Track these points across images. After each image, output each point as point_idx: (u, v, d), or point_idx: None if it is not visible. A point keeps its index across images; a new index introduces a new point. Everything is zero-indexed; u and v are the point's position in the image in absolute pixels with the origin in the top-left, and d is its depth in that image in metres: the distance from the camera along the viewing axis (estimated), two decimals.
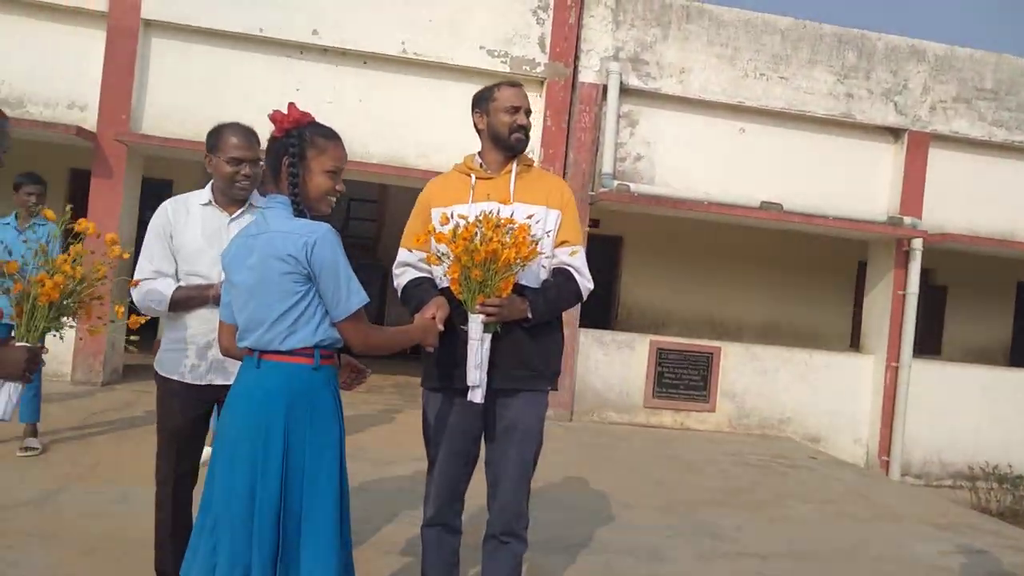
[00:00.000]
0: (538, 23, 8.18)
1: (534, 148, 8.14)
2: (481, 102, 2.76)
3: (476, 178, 2.73)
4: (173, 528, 2.79)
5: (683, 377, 8.57)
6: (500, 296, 2.44)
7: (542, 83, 8.24)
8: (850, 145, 9.04)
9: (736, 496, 5.76)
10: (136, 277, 2.71)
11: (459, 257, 2.40)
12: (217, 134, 2.75)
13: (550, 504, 4.87)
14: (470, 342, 2.46)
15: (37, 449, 4.91)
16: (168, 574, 2.77)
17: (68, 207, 2.29)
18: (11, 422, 1.96)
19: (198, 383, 2.72)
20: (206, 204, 2.80)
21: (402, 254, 2.77)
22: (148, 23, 7.59)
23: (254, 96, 7.33)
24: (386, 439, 6.39)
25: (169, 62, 7.69)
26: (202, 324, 2.70)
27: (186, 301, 2.69)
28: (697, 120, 8.68)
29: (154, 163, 8.54)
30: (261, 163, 2.76)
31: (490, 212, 2.46)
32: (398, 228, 2.95)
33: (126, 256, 2.26)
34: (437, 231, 2.52)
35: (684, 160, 8.60)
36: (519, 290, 2.56)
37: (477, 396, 2.50)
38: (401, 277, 2.77)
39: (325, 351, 2.09)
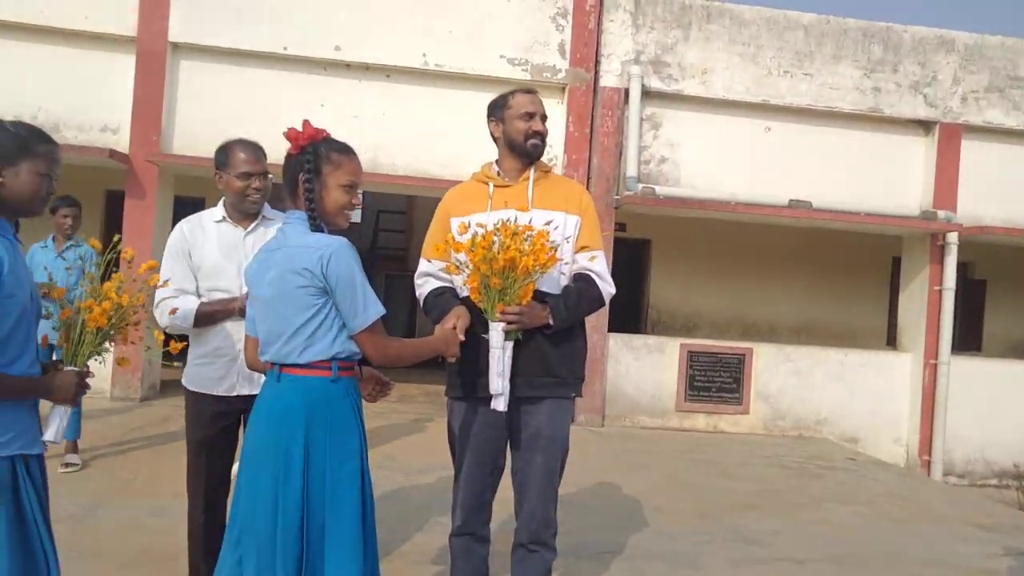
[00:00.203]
0: (558, 30, 8.19)
1: (557, 154, 8.15)
2: (496, 110, 2.77)
3: (494, 186, 2.73)
4: (205, 540, 2.82)
5: (715, 379, 8.48)
6: (520, 303, 2.44)
7: (564, 89, 8.25)
8: (880, 140, 8.89)
9: (771, 499, 5.67)
10: (157, 297, 2.76)
11: (478, 266, 2.41)
12: (225, 151, 2.81)
13: (581, 510, 4.85)
14: (492, 350, 2.47)
15: (77, 465, 5.02)
16: None
17: (116, 237, 2.36)
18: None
19: (228, 395, 2.77)
20: (220, 221, 2.86)
21: (423, 264, 2.79)
22: (175, 46, 7.77)
23: (279, 113, 7.40)
24: (417, 448, 6.42)
25: (197, 83, 7.86)
26: (228, 337, 2.75)
27: (212, 315, 2.74)
28: (721, 120, 8.61)
29: (185, 182, 8.71)
30: (270, 176, 2.81)
31: (508, 220, 2.46)
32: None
33: (167, 284, 2.31)
34: (456, 240, 2.53)
35: (709, 161, 8.53)
36: (540, 297, 2.55)
37: (500, 404, 2.49)
38: (422, 287, 2.78)
39: (344, 363, 2.11)
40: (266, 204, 2.90)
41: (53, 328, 2.12)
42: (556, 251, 2.48)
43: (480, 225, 2.47)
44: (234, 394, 2.76)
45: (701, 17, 8.45)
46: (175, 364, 2.70)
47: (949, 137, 8.81)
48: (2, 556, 1.84)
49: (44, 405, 2.04)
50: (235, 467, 2.94)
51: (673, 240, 10.44)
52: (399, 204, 15.71)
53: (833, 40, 8.64)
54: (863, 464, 7.40)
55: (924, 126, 8.92)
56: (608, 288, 2.73)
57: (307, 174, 2.10)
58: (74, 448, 5.10)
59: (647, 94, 8.34)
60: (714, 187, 8.44)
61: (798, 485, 6.21)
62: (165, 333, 2.46)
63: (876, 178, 8.81)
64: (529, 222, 2.49)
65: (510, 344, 2.49)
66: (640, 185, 8.16)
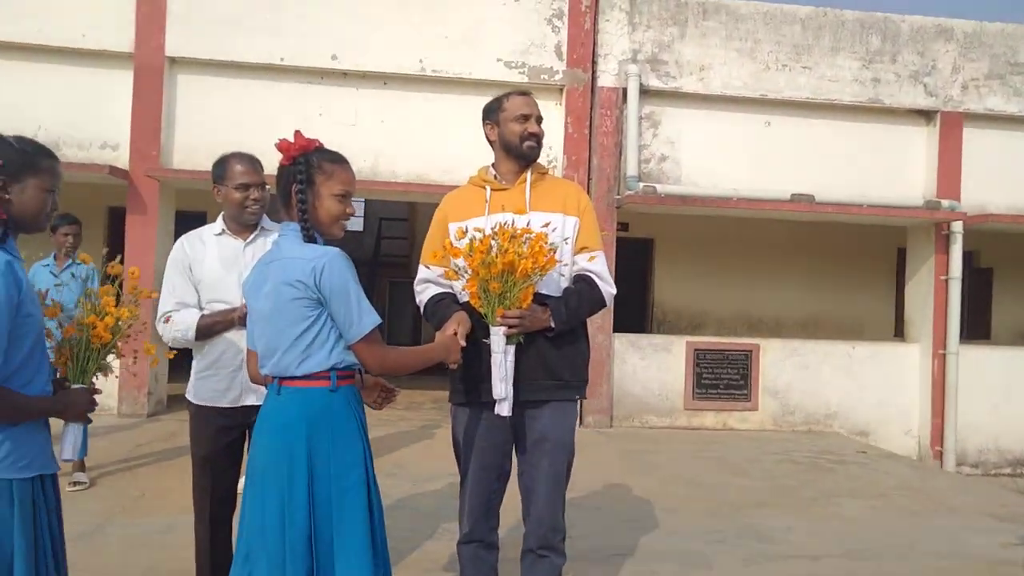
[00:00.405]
0: (553, 31, 8.18)
1: (557, 156, 8.13)
2: (491, 113, 2.76)
3: (491, 190, 2.72)
4: (212, 556, 2.81)
5: (722, 377, 8.44)
6: (520, 307, 2.42)
7: (561, 91, 8.23)
8: (880, 131, 8.85)
9: (783, 496, 5.63)
10: (160, 311, 2.79)
11: (476, 271, 2.39)
12: (222, 164, 2.85)
13: (591, 513, 4.82)
14: (493, 355, 2.45)
15: (85, 483, 5.02)
16: None
17: (105, 249, 2.38)
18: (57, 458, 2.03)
19: (233, 406, 2.76)
20: (220, 234, 2.89)
21: (422, 271, 2.77)
22: (173, 60, 7.79)
23: (278, 124, 7.37)
24: (425, 455, 6.40)
25: (195, 97, 7.87)
26: (230, 348, 2.75)
27: (212, 327, 2.75)
28: (721, 116, 8.58)
29: (187, 196, 8.72)
30: (268, 187, 2.82)
31: (506, 223, 2.45)
32: None
33: (154, 295, 2.34)
34: (454, 246, 2.52)
35: (710, 157, 8.50)
36: (540, 300, 2.54)
37: (504, 409, 2.48)
38: (422, 294, 2.77)
39: (343, 372, 2.09)
40: (264, 215, 2.91)
41: (49, 347, 2.11)
42: (555, 253, 2.46)
43: (478, 229, 2.46)
44: (239, 405, 2.76)
45: (697, 14, 8.43)
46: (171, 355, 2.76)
47: (950, 126, 8.77)
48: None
49: (54, 423, 2.04)
50: (241, 481, 2.93)
51: (676, 238, 10.41)
52: (401, 211, 15.72)
53: (831, 32, 8.61)
54: (874, 457, 7.35)
55: (925, 115, 8.88)
56: (609, 288, 2.71)
57: (300, 184, 2.09)
58: (81, 466, 5.09)
59: (645, 93, 8.32)
60: (715, 184, 8.41)
61: (809, 480, 6.16)
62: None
63: (878, 169, 8.77)
64: (527, 224, 2.47)
65: (512, 348, 2.47)
66: (641, 184, 8.14)
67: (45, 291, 2.15)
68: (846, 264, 10.68)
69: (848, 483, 6.15)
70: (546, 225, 2.53)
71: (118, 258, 2.40)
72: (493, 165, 2.79)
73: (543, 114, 2.81)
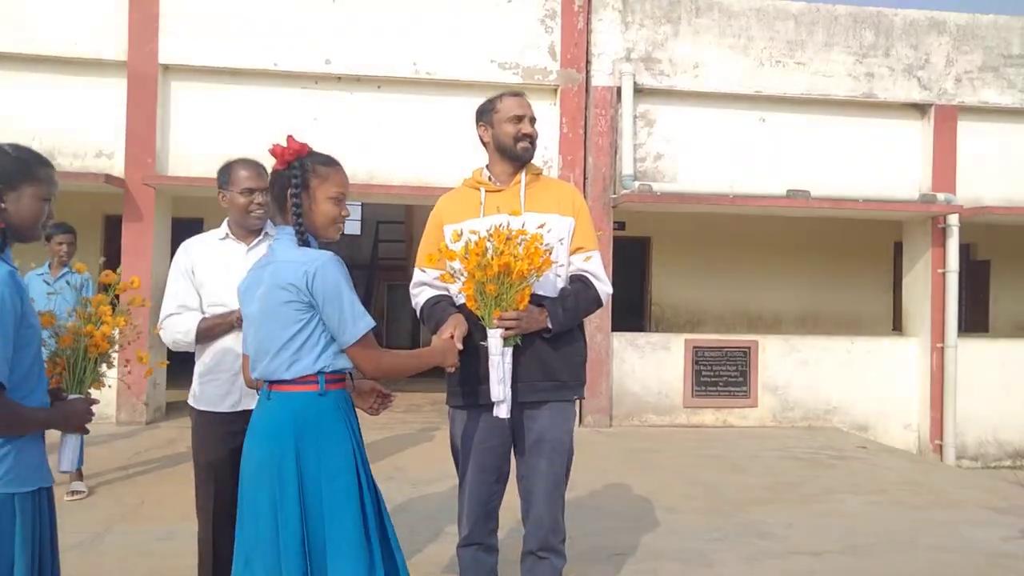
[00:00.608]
0: (547, 31, 8.18)
1: (552, 156, 8.13)
2: (484, 115, 2.76)
3: (485, 191, 2.71)
4: (215, 564, 2.80)
5: (721, 374, 8.44)
6: (517, 309, 2.42)
7: (556, 91, 8.23)
8: (875, 125, 8.86)
9: (784, 492, 5.62)
10: (162, 315, 2.80)
11: (472, 273, 2.39)
12: (227, 170, 2.87)
13: (592, 512, 4.81)
14: (491, 357, 2.44)
15: (83, 492, 5.00)
16: None
17: (102, 259, 2.39)
18: (54, 469, 2.02)
19: (233, 411, 2.76)
20: (224, 238, 2.90)
21: (417, 274, 2.77)
22: (166, 68, 7.78)
23: (273, 129, 7.37)
24: (425, 458, 6.39)
25: (189, 103, 7.86)
26: (229, 351, 2.76)
27: (212, 329, 2.76)
28: (715, 114, 8.58)
29: (183, 203, 8.72)
30: None
31: (501, 225, 2.44)
32: None
33: (148, 304, 2.34)
34: (449, 248, 2.51)
35: (705, 155, 8.51)
36: (537, 301, 2.53)
37: (502, 411, 2.47)
38: (418, 297, 2.76)
39: (332, 376, 2.09)
40: (269, 221, 2.91)
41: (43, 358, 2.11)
42: (550, 254, 2.46)
43: (473, 232, 2.45)
44: (239, 409, 2.75)
45: (690, 11, 8.44)
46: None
47: (945, 119, 8.78)
48: None
49: (49, 435, 2.03)
50: None
51: (673, 236, 10.41)
52: (398, 214, 15.71)
53: (824, 27, 8.62)
54: (874, 452, 7.36)
55: (919, 109, 8.89)
56: (605, 288, 2.71)
57: (295, 188, 2.09)
58: (79, 476, 5.07)
59: (639, 91, 8.32)
60: (711, 181, 8.41)
61: (810, 476, 6.16)
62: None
63: (873, 164, 8.78)
64: (522, 226, 2.46)
65: (509, 350, 2.47)
66: (637, 183, 8.14)
67: (32, 300, 2.14)
68: (843, 259, 10.70)
69: (848, 478, 6.15)
70: (541, 226, 2.53)
71: (118, 269, 2.40)
72: (487, 166, 2.79)
73: (537, 115, 2.81)
